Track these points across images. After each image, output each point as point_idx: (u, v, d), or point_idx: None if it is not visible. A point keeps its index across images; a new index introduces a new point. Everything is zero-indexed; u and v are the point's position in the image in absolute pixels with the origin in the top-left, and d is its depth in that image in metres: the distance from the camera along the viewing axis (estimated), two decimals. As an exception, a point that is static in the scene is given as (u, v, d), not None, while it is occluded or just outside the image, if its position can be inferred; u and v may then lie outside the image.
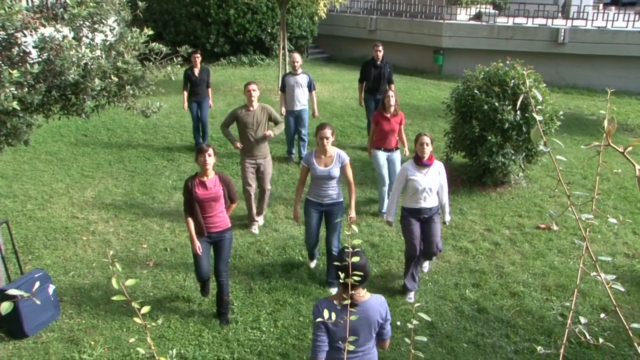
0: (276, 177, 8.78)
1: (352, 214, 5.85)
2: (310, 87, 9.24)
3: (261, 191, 7.30)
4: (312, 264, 6.44)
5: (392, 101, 7.35)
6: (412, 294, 5.89)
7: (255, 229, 7.22)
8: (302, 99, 9.15)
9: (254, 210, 7.25)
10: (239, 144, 7.06)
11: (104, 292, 5.86)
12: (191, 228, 5.21)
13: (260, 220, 7.39)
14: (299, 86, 9.08)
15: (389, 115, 7.39)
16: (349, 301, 3.17)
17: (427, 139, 5.62)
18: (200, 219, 5.20)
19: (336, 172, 5.71)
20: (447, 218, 6.02)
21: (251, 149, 7.01)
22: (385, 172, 7.50)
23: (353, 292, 3.21)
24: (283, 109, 9.17)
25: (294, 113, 9.17)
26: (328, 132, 5.61)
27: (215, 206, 5.23)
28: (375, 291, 5.79)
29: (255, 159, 7.06)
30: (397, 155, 7.58)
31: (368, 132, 9.47)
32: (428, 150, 5.61)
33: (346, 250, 2.92)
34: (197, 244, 5.20)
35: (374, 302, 3.38)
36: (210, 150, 5.13)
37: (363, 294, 3.35)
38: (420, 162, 5.63)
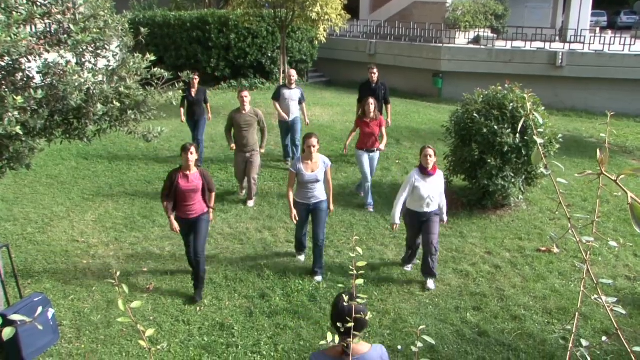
0: (276, 201, 8.82)
1: (331, 207, 6.66)
2: (301, 100, 10.27)
3: (247, 180, 8.62)
4: (302, 257, 7.00)
5: (372, 108, 8.37)
6: (431, 282, 6.45)
7: (242, 193, 8.92)
8: (295, 110, 10.20)
9: (244, 190, 8.91)
10: (233, 146, 8.56)
11: (104, 316, 5.84)
12: (169, 211, 5.96)
13: (250, 203, 8.67)
14: (292, 99, 10.10)
15: (368, 120, 8.40)
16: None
17: (430, 151, 6.16)
18: (180, 205, 5.97)
19: (321, 175, 6.41)
20: (445, 218, 6.57)
21: (242, 144, 8.45)
22: (367, 169, 8.48)
23: (350, 341, 2.51)
24: (284, 115, 10.06)
25: (287, 123, 10.18)
26: (314, 140, 6.26)
27: (194, 196, 5.98)
28: (375, 314, 5.81)
29: (245, 153, 8.49)
30: (377, 155, 8.68)
31: None
32: (432, 161, 6.15)
33: (344, 295, 2.81)
34: (175, 224, 5.98)
35: (374, 355, 2.94)
36: (193, 149, 5.86)
37: (362, 346, 2.93)
38: (425, 171, 6.19)
